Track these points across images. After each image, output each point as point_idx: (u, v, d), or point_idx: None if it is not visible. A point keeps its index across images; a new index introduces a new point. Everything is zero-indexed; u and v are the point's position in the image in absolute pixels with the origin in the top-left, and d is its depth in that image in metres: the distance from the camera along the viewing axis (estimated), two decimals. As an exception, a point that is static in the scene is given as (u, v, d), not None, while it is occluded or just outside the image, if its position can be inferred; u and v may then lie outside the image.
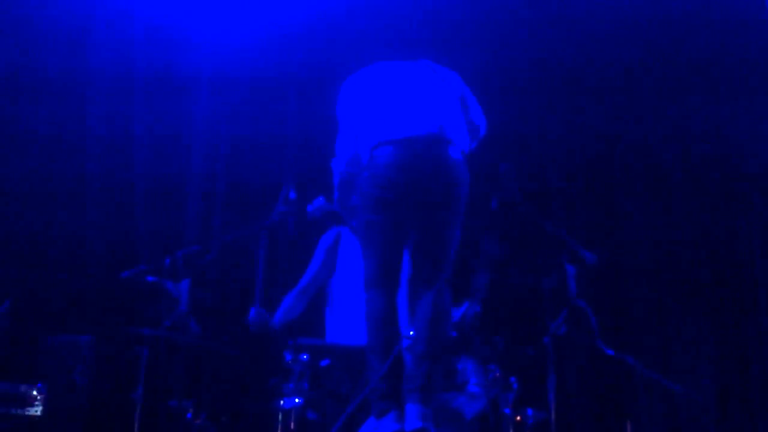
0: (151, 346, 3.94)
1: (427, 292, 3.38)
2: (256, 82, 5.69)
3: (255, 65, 5.70)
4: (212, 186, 5.70)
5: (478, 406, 3.91)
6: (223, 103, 5.78)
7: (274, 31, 5.71)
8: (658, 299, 5.76)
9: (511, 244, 5.07)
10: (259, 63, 5.70)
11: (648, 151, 5.98)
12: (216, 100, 5.78)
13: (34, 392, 4.20)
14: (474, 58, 5.03)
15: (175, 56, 5.71)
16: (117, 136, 5.61)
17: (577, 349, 5.28)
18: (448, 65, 3.77)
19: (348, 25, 5.52)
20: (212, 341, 4.42)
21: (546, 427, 3.86)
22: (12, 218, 5.36)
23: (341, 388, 3.79)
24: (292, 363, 3.73)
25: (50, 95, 5.50)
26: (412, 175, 3.41)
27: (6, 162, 5.40)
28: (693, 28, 5.66)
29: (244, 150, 5.68)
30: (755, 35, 5.36)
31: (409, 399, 3.24)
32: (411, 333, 3.29)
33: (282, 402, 3.66)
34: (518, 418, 4.00)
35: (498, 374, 3.96)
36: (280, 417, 3.65)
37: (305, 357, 3.74)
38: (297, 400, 3.65)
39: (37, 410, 4.20)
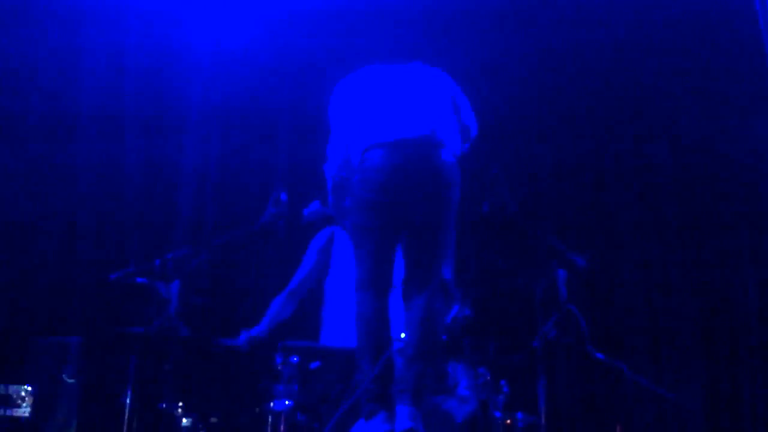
0: (141, 348, 3.93)
1: (419, 295, 3.38)
2: (247, 84, 5.69)
3: (246, 67, 5.70)
4: (203, 187, 5.69)
5: (468, 409, 3.91)
6: (214, 106, 5.77)
7: (265, 34, 5.71)
8: (649, 304, 5.77)
9: (502, 248, 5.07)
10: (250, 65, 5.71)
11: (640, 154, 6.00)
12: (207, 103, 5.78)
13: (23, 393, 4.18)
14: (465, 60, 5.04)
15: (168, 58, 5.70)
16: (107, 138, 5.59)
17: (567, 353, 5.30)
18: (439, 67, 3.77)
19: (339, 27, 5.52)
20: (202, 343, 4.40)
21: (536, 430, 3.86)
22: (0, 220, 5.34)
23: (331, 391, 3.78)
24: (282, 365, 3.73)
25: (41, 95, 5.48)
26: (404, 178, 3.41)
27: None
28: (691, 27, 5.67)
29: (235, 151, 5.68)
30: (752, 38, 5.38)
31: (400, 400, 3.25)
32: (402, 335, 3.29)
33: (272, 404, 3.65)
34: (508, 421, 4.00)
35: (488, 377, 3.97)
36: (270, 419, 3.65)
37: (295, 359, 3.74)
38: (287, 403, 3.65)
39: (25, 411, 4.18)
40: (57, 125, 5.52)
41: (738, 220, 5.75)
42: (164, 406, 4.01)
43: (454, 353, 4.03)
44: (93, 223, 5.46)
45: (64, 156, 5.51)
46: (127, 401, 3.79)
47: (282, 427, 3.63)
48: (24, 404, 4.18)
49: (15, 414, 4.15)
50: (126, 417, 3.79)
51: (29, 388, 4.21)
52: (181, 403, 4.05)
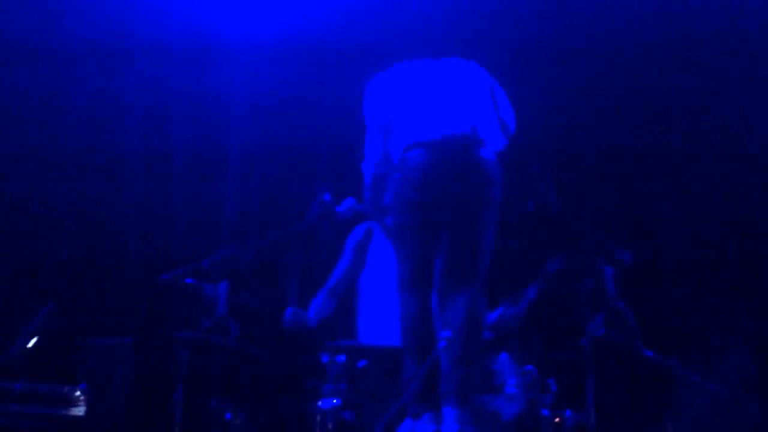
0: (191, 349, 3.99)
1: (462, 295, 3.36)
2: (287, 87, 5.72)
3: (283, 72, 5.72)
4: (248, 188, 5.75)
5: (515, 408, 3.89)
6: (258, 110, 5.82)
7: (297, 33, 5.69)
8: (699, 299, 5.68)
9: (547, 246, 5.03)
10: (288, 67, 5.72)
11: (687, 147, 5.89)
12: (250, 108, 5.82)
13: (77, 393, 4.27)
14: (503, 53, 4.97)
15: (212, 62, 5.76)
16: (155, 144, 5.68)
17: (615, 350, 5.23)
18: (476, 61, 3.73)
19: (373, 23, 5.48)
20: (251, 343, 4.45)
21: (585, 429, 3.83)
22: (54, 224, 5.47)
23: (378, 389, 3.80)
24: (329, 364, 3.76)
25: (89, 108, 5.59)
26: (445, 177, 3.40)
27: (48, 174, 5.50)
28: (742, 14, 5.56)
29: (279, 153, 5.72)
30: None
31: (446, 402, 3.24)
32: (447, 334, 3.28)
33: (320, 403, 3.68)
34: (557, 419, 3.97)
35: (536, 376, 3.95)
36: (318, 418, 3.67)
37: (342, 358, 3.76)
38: (335, 401, 3.67)
39: (79, 411, 4.27)
40: (106, 130, 5.63)
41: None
42: (214, 405, 4.07)
43: (501, 351, 4.01)
44: (142, 225, 5.56)
45: (115, 160, 5.62)
46: (178, 400, 3.86)
47: (330, 425, 3.66)
48: (78, 404, 4.27)
49: (69, 413, 4.25)
50: (176, 416, 3.86)
51: (83, 388, 4.30)
52: (230, 402, 4.11)
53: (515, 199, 3.67)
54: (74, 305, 5.10)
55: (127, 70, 5.67)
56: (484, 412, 3.75)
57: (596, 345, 3.80)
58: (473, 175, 3.42)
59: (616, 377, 5.43)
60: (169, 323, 4.62)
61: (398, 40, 4.05)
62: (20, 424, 4.13)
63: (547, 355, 4.17)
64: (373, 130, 3.68)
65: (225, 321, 4.09)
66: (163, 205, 5.61)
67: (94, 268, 5.41)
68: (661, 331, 5.42)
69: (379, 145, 3.64)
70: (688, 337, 5.61)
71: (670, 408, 5.25)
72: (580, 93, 5.82)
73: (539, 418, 3.89)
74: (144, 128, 5.69)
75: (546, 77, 5.65)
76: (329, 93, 5.78)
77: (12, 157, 5.50)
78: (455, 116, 3.50)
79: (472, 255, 3.42)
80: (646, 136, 5.87)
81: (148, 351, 4.91)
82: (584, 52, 5.69)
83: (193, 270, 4.06)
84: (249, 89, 5.83)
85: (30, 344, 4.48)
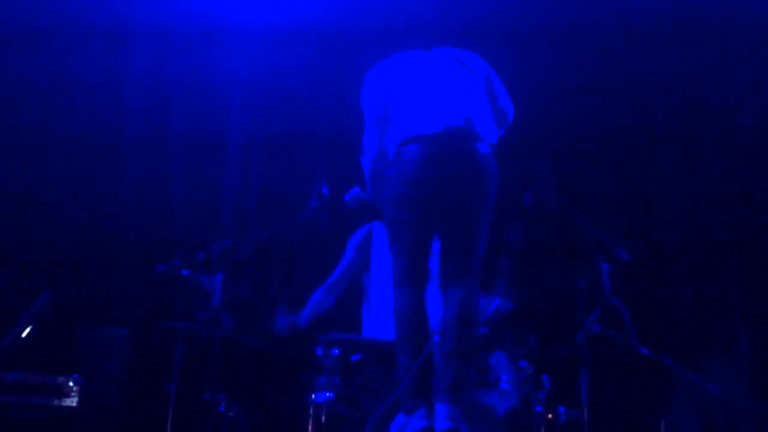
0: (186, 340, 3.98)
1: (457, 290, 3.35)
2: (287, 79, 5.71)
3: (283, 62, 5.71)
4: (246, 181, 5.74)
5: (509, 404, 3.88)
6: (257, 101, 5.80)
7: (295, 25, 5.67)
8: (695, 297, 5.67)
9: (544, 240, 5.03)
10: (288, 58, 5.71)
11: (685, 144, 5.89)
12: (249, 99, 5.81)
13: (71, 384, 4.27)
14: (500, 45, 4.95)
15: (211, 54, 5.75)
16: (153, 134, 5.67)
17: (610, 347, 5.23)
18: (475, 51, 3.71)
19: (374, 9, 5.45)
20: (245, 335, 4.45)
21: (578, 425, 3.83)
22: (50, 213, 5.45)
23: (373, 383, 3.79)
24: (324, 357, 3.75)
25: (87, 95, 5.58)
26: (440, 172, 3.38)
27: (44, 161, 5.49)
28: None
29: (277, 146, 5.71)
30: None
31: (439, 398, 3.22)
32: (440, 330, 3.27)
33: (314, 396, 3.68)
34: (550, 415, 3.97)
35: (530, 371, 3.94)
36: (311, 411, 3.67)
37: (336, 352, 3.76)
38: (328, 395, 3.67)
39: (73, 401, 4.27)
40: (107, 123, 5.62)
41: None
42: (208, 397, 4.06)
43: (495, 346, 4.00)
44: (139, 216, 5.55)
45: (113, 152, 5.61)
46: (172, 392, 3.86)
47: (323, 419, 3.65)
48: (72, 394, 4.27)
49: (63, 404, 4.25)
50: (170, 407, 3.85)
51: (77, 379, 4.29)
52: (224, 395, 4.10)
53: (513, 193, 3.65)
54: (69, 295, 5.10)
55: (126, 56, 5.66)
56: (478, 407, 3.74)
57: (591, 341, 3.79)
58: (468, 170, 3.40)
59: (610, 374, 5.44)
60: (164, 314, 4.60)
61: (400, 26, 4.02)
62: (13, 414, 4.13)
63: (542, 351, 4.16)
64: (370, 123, 3.67)
65: (219, 313, 4.08)
66: (160, 195, 5.60)
67: (90, 259, 5.40)
68: (657, 329, 5.44)
69: (376, 138, 3.63)
70: (683, 335, 5.61)
71: (664, 405, 5.26)
72: (580, 88, 5.80)
73: (533, 414, 3.89)
74: (142, 118, 5.68)
75: (546, 71, 5.64)
76: (330, 82, 5.77)
77: (8, 144, 5.49)
78: (449, 109, 3.47)
79: (467, 250, 3.41)
80: (646, 133, 5.86)
81: (142, 342, 4.91)
82: (587, 45, 5.68)
83: (189, 262, 4.05)
84: (249, 77, 5.81)
85: (24, 334, 4.47)
